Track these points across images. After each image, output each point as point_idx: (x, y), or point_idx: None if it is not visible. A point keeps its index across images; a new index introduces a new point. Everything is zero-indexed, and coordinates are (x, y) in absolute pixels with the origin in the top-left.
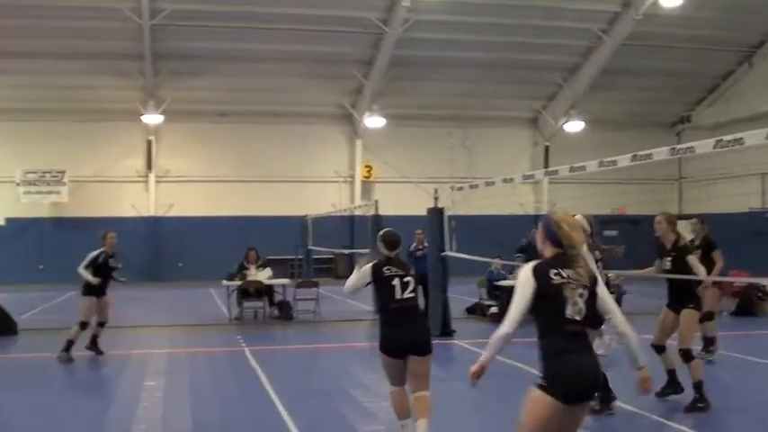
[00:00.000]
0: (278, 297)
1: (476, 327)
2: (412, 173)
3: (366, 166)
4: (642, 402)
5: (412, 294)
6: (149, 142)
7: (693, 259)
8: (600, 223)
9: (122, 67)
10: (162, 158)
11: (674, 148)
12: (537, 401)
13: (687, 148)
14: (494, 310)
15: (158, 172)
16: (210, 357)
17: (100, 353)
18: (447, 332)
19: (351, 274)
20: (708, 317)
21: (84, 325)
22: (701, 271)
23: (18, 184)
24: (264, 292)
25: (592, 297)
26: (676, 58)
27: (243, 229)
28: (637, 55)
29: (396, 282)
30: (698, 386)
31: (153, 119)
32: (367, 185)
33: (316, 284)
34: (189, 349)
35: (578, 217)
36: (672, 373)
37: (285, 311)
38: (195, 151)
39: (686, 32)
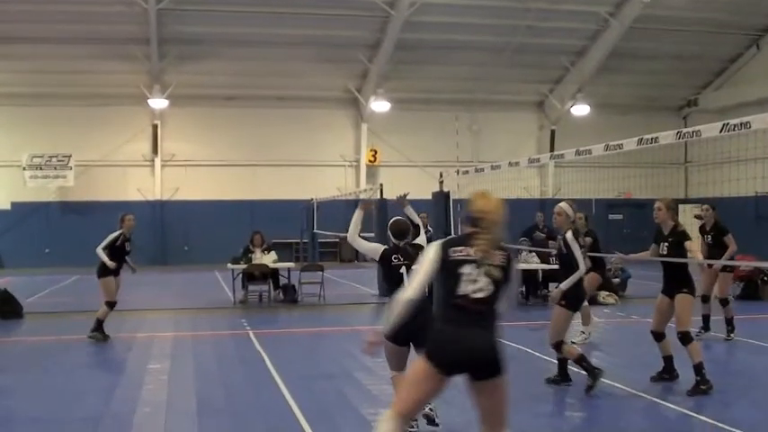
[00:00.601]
0: (283, 281)
1: None
2: (417, 157)
3: (371, 150)
4: (646, 386)
5: None
6: (155, 126)
7: (691, 244)
8: (606, 206)
9: (128, 51)
10: (167, 143)
11: (680, 132)
12: (416, 367)
13: (693, 131)
14: None
15: (164, 156)
16: (215, 340)
17: (102, 338)
18: None
19: (355, 258)
20: (724, 302)
21: (111, 304)
22: (698, 256)
23: (24, 169)
24: (269, 275)
25: (502, 278)
26: (683, 42)
27: (248, 213)
28: (644, 38)
29: (403, 270)
30: (698, 368)
31: (159, 103)
32: (372, 169)
33: (321, 268)
34: (194, 332)
35: (562, 204)
36: (668, 360)
37: (290, 295)
38: (201, 135)
39: (694, 15)
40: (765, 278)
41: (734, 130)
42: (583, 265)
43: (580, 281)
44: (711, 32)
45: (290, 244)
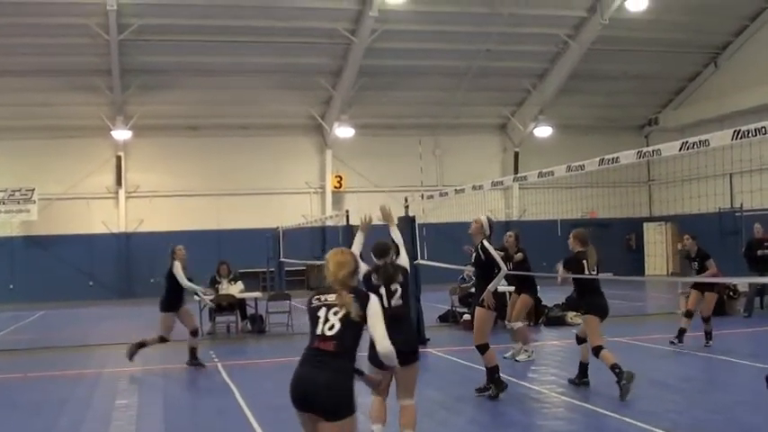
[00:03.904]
0: (250, 310)
1: (449, 334)
2: (382, 182)
3: (336, 177)
4: (616, 406)
5: (399, 302)
6: (119, 158)
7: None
8: (571, 227)
9: (90, 82)
10: (131, 174)
11: (640, 152)
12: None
13: (654, 150)
14: (466, 317)
15: (128, 187)
16: (184, 373)
17: (202, 365)
18: (421, 340)
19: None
20: (706, 320)
21: (163, 339)
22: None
23: None
24: (236, 305)
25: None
26: (643, 62)
27: (214, 243)
28: (603, 59)
29: (382, 291)
30: (613, 368)
31: (122, 134)
32: (338, 196)
33: (288, 297)
34: (162, 366)
35: (481, 216)
36: (583, 366)
37: (257, 325)
38: (165, 166)
39: (652, 36)
40: (731, 294)
41: (693, 148)
42: (503, 265)
43: (496, 295)
44: (670, 52)
45: (257, 273)
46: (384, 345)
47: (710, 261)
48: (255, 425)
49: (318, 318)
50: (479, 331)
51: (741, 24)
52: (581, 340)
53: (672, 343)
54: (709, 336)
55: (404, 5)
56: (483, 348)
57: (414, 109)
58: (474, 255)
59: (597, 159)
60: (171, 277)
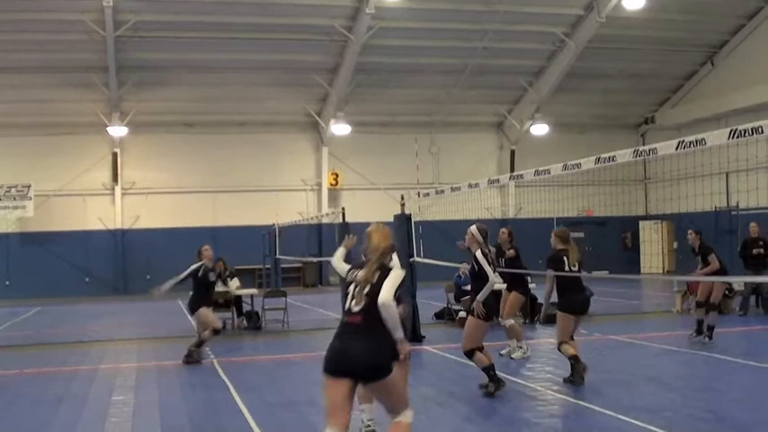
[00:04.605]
0: (246, 307)
1: (444, 332)
2: (379, 180)
3: (333, 174)
4: (611, 403)
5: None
6: (115, 154)
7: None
8: (567, 225)
9: (86, 79)
10: (127, 170)
11: (636, 150)
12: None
13: (650, 149)
14: (462, 314)
15: (124, 184)
16: (179, 370)
17: (198, 361)
18: (416, 338)
19: (319, 283)
20: (712, 307)
21: (216, 331)
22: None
23: None
24: (232, 302)
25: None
26: (639, 60)
27: (210, 240)
28: (600, 57)
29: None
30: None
31: (118, 131)
32: (334, 193)
33: (284, 294)
34: (158, 362)
35: (472, 227)
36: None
37: (253, 322)
38: (161, 162)
39: (649, 34)
40: (726, 292)
41: (689, 147)
42: (492, 276)
43: (492, 295)
44: (666, 50)
45: (253, 270)
46: (385, 296)
47: (712, 256)
48: (251, 421)
49: (348, 293)
50: (468, 338)
51: (738, 23)
52: (562, 345)
53: (706, 338)
54: (710, 330)
55: (400, 2)
56: (470, 354)
57: (410, 106)
58: (470, 266)
59: (593, 158)
60: (195, 277)
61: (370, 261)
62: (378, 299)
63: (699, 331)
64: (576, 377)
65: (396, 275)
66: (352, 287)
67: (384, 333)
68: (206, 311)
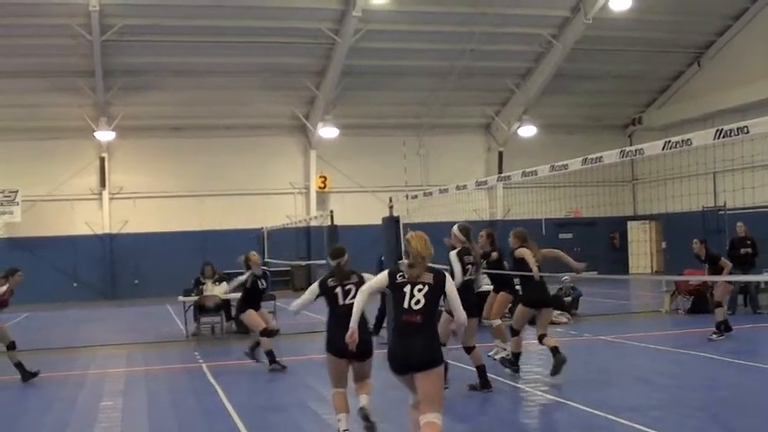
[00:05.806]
0: (235, 311)
1: None
2: (367, 182)
3: (321, 177)
4: (600, 403)
5: (353, 300)
6: (102, 159)
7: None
8: (555, 226)
9: (73, 84)
10: (115, 175)
11: (623, 151)
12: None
13: (637, 150)
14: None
15: (112, 189)
16: (168, 375)
17: (257, 360)
18: None
19: (309, 286)
20: (718, 305)
21: (266, 332)
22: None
23: None
24: (221, 306)
25: (432, 291)
26: (627, 61)
27: (198, 244)
28: (587, 59)
29: (338, 291)
30: (480, 369)
31: (105, 135)
32: (322, 196)
33: (273, 297)
34: (146, 367)
35: (454, 228)
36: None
37: (242, 326)
38: (149, 167)
39: (636, 35)
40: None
41: (675, 147)
42: (459, 276)
43: (471, 290)
44: (653, 51)
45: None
46: (460, 314)
47: (723, 260)
48: (241, 425)
49: (404, 293)
50: (465, 336)
51: (724, 24)
52: (541, 338)
53: (715, 335)
54: (718, 328)
55: (387, 5)
56: (470, 350)
57: (398, 109)
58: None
59: (580, 159)
60: (244, 287)
61: (420, 265)
62: (454, 314)
63: (728, 328)
64: (510, 366)
65: (452, 287)
66: (408, 287)
67: (435, 329)
68: (250, 315)
